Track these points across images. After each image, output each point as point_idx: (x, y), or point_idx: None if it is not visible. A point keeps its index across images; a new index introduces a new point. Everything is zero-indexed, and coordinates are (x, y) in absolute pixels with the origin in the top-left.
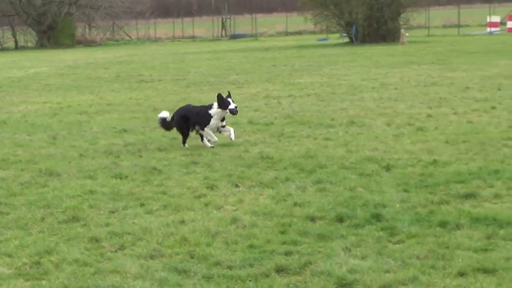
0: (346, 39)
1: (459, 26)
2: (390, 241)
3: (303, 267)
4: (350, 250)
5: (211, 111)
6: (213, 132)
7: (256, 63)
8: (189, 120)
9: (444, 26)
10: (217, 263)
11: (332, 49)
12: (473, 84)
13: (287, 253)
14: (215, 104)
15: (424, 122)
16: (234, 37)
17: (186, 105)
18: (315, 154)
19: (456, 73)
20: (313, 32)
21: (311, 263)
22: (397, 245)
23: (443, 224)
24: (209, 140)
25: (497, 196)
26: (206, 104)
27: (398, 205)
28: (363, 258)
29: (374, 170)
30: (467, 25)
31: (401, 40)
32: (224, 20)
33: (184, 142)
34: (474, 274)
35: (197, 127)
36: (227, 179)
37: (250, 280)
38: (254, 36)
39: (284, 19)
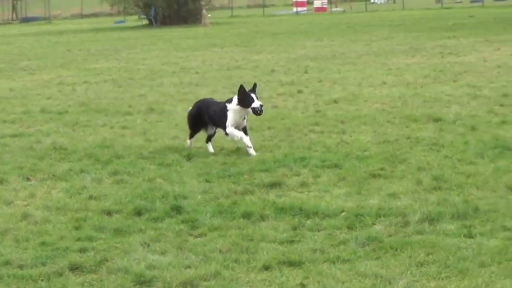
0: (145, 21)
1: (264, 6)
2: (191, 235)
3: (98, 265)
4: (149, 245)
5: (229, 105)
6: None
7: (49, 47)
8: (203, 115)
9: (249, 6)
10: (7, 262)
11: (130, 32)
12: (279, 67)
13: (82, 250)
14: (235, 99)
15: None
16: (25, 20)
17: (206, 99)
18: (112, 143)
19: (261, 56)
20: (110, 14)
21: (107, 260)
22: (199, 239)
23: (247, 216)
24: (237, 139)
25: (303, 184)
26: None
27: (199, 196)
28: (163, 253)
29: (175, 159)
30: (273, 5)
31: (203, 21)
32: (14, 2)
33: (190, 137)
34: (279, 267)
35: (214, 128)
36: (17, 172)
37: (42, 280)
38: (47, 19)
39: (79, 1)
